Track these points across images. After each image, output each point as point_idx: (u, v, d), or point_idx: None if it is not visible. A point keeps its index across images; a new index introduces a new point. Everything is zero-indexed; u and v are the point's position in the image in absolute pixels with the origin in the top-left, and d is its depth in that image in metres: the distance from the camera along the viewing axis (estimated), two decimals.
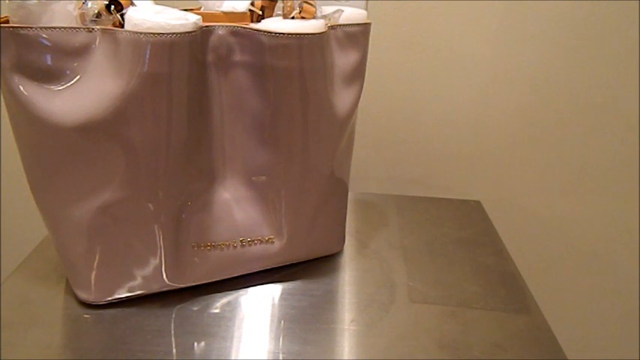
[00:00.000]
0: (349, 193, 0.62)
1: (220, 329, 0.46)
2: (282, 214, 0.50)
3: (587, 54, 0.74)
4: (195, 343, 0.45)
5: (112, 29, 0.39)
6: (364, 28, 0.50)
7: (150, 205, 0.44)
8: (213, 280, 0.51)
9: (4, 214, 0.93)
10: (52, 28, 0.38)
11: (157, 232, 0.45)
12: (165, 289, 0.49)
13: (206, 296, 0.50)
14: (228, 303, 0.50)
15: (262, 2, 0.49)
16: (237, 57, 0.45)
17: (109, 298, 0.48)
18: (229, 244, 0.50)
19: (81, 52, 0.40)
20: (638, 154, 0.79)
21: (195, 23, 0.40)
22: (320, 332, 0.47)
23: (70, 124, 0.40)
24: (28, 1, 0.38)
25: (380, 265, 0.57)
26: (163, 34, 0.38)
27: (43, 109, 0.39)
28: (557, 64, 0.75)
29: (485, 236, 0.64)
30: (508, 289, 0.53)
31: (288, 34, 0.42)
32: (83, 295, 0.48)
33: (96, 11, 0.40)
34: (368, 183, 0.86)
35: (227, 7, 0.50)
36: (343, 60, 0.49)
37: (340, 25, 0.48)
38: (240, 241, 0.50)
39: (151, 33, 0.38)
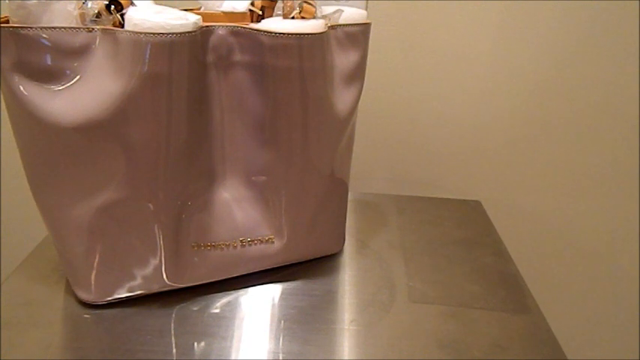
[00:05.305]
0: (349, 193, 0.62)
1: (220, 329, 0.46)
2: (282, 214, 0.50)
3: (587, 54, 0.74)
4: (195, 343, 0.45)
5: (112, 29, 0.39)
6: (364, 28, 0.50)
7: (150, 205, 0.44)
8: (213, 280, 0.51)
9: (4, 214, 0.93)
10: (52, 28, 0.39)
11: (157, 232, 0.45)
12: (165, 289, 0.49)
13: (206, 296, 0.50)
14: (228, 303, 0.50)
15: (262, 2, 0.49)
16: (237, 57, 0.45)
17: (109, 298, 0.48)
18: (229, 244, 0.50)
19: (81, 52, 0.40)
20: (638, 154, 0.79)
21: (195, 23, 0.40)
22: (320, 332, 0.47)
23: (70, 124, 0.40)
24: (28, 1, 0.38)
25: (380, 265, 0.57)
26: (163, 34, 0.38)
27: (43, 109, 0.39)
28: (557, 64, 0.75)
29: (485, 236, 0.64)
30: (508, 289, 0.53)
31: (288, 34, 0.42)
32: (83, 295, 0.48)
33: (96, 11, 0.40)
34: (368, 183, 0.86)
35: (227, 7, 0.50)
36: (343, 60, 0.49)
37: (340, 25, 0.48)
38: (240, 241, 0.50)
39: (151, 33, 0.38)
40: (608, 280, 0.88)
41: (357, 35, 0.49)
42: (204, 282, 0.50)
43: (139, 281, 0.47)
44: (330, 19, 0.47)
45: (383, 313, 0.49)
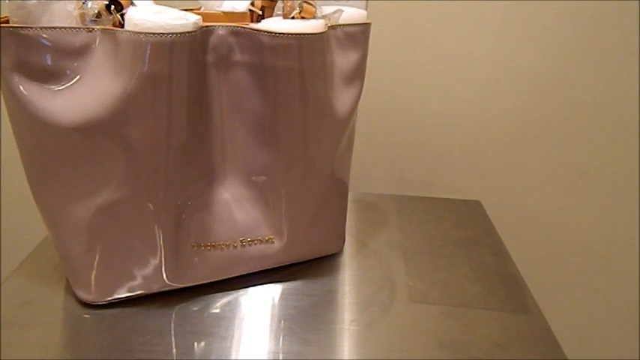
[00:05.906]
0: (349, 193, 0.62)
1: (220, 329, 0.46)
2: (282, 214, 0.50)
3: (587, 54, 0.74)
4: (195, 343, 0.45)
5: (112, 29, 0.39)
6: (364, 28, 0.50)
7: (150, 205, 0.44)
8: (213, 280, 0.51)
9: (4, 214, 0.93)
10: (52, 28, 0.39)
11: (157, 232, 0.45)
12: (165, 289, 0.49)
13: (206, 296, 0.50)
14: (228, 303, 0.50)
15: (262, 2, 0.49)
16: (237, 57, 0.45)
17: (109, 298, 0.48)
18: (229, 244, 0.50)
19: (81, 52, 0.40)
20: (638, 154, 0.79)
21: (195, 23, 0.40)
22: (320, 332, 0.47)
23: (70, 124, 0.40)
24: (28, 1, 0.38)
25: (380, 265, 0.57)
26: (163, 34, 0.38)
27: (43, 109, 0.39)
28: (557, 64, 0.75)
29: (485, 236, 0.64)
30: (508, 289, 0.53)
31: (288, 34, 0.42)
32: (83, 295, 0.48)
33: (96, 11, 0.40)
34: (368, 183, 0.86)
35: (227, 7, 0.50)
36: (343, 60, 0.49)
37: (340, 25, 0.48)
38: (240, 241, 0.50)
39: (151, 33, 0.38)
40: (608, 280, 0.88)
41: (357, 35, 0.49)
42: (204, 282, 0.50)
43: (139, 281, 0.47)
44: (330, 19, 0.47)
45: (383, 313, 0.49)
